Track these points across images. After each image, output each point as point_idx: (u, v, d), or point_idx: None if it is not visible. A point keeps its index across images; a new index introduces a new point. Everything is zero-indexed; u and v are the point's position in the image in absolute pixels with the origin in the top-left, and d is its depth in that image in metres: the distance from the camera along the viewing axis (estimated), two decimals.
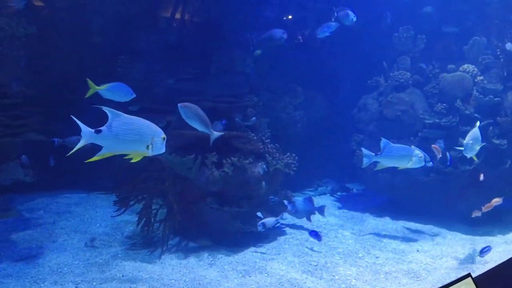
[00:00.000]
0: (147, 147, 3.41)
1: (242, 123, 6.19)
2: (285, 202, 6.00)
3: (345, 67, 8.21)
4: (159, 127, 3.35)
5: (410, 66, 6.99)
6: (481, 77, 6.34)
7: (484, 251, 4.91)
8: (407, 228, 6.28)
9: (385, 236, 5.95)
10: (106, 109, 3.17)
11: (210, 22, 7.21)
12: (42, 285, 4.19)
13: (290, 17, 8.27)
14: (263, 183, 5.60)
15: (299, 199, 5.92)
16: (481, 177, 5.69)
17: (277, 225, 5.88)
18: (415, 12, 7.41)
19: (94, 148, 3.13)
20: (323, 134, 8.23)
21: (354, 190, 8.37)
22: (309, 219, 6.05)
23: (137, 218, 5.30)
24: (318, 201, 7.11)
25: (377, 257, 5.14)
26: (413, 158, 4.85)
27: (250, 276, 4.54)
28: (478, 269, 4.82)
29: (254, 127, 6.15)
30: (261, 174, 5.53)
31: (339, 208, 7.35)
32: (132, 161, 3.50)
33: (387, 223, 6.51)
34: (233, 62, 7.31)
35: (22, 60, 5.79)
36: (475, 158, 5.25)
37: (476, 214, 5.45)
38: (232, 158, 5.36)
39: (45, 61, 6.46)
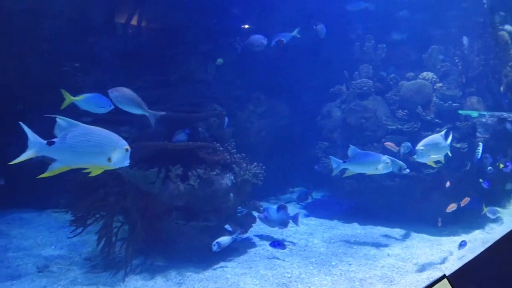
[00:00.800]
0: (108, 159, 3.12)
1: (206, 133, 5.99)
2: (254, 212, 5.81)
3: (308, 76, 8.23)
4: (123, 137, 3.08)
5: (372, 74, 7.11)
6: (440, 84, 6.57)
7: (461, 244, 5.22)
8: (376, 233, 6.30)
9: (355, 242, 5.92)
10: (59, 118, 2.86)
11: (170, 28, 6.97)
12: None
13: (247, 26, 8.20)
14: (231, 194, 5.39)
15: (273, 207, 5.77)
16: (447, 184, 5.84)
17: (244, 236, 5.67)
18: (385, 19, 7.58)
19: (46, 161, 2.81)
20: (288, 142, 8.17)
21: (320, 197, 8.34)
22: (282, 228, 5.89)
23: (96, 238, 4.89)
24: None
25: (350, 264, 5.08)
26: (381, 164, 4.89)
27: None
28: (447, 269, 4.88)
29: (218, 136, 5.96)
30: (229, 185, 5.33)
31: (307, 216, 7.27)
32: (91, 175, 3.20)
33: (356, 229, 6.50)
34: (194, 70, 7.12)
35: None
36: (433, 165, 5.13)
37: (453, 208, 5.71)
38: (198, 170, 5.13)
39: None
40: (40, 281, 4.45)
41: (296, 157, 8.10)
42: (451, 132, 5.72)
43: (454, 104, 6.38)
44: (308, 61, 7.97)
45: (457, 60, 6.63)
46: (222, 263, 5.06)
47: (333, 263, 5.11)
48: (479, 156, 6.02)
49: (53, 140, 2.78)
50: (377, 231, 6.38)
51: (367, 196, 6.75)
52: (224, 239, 4.91)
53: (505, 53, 6.66)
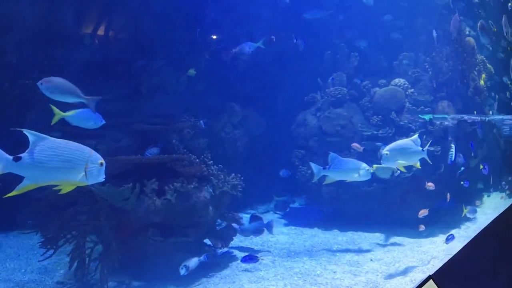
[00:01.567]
0: (81, 175, 2.91)
1: (180, 145, 5.81)
2: (234, 225, 5.66)
3: (281, 85, 8.22)
4: (97, 151, 2.88)
5: (346, 81, 7.17)
6: (412, 90, 6.72)
7: (449, 238, 5.36)
8: (357, 239, 6.28)
9: (337, 249, 5.87)
10: (27, 131, 2.64)
11: (138, 39, 6.77)
12: None
13: (214, 37, 8.12)
14: (210, 207, 5.22)
15: (246, 216, 5.62)
16: (430, 185, 5.96)
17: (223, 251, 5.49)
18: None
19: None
20: (264, 151, 8.08)
21: (298, 205, 8.28)
22: (256, 235, 5.77)
23: (68, 259, 4.57)
24: None
25: (334, 272, 5.00)
26: (361, 171, 4.86)
27: None
28: (429, 270, 4.90)
29: (193, 148, 5.79)
30: (207, 198, 5.15)
31: (286, 225, 7.18)
32: (61, 192, 2.97)
33: (336, 236, 6.46)
34: (165, 81, 6.93)
35: None
36: (402, 169, 4.98)
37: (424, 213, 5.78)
38: (175, 183, 4.92)
39: None
40: None
41: (272, 166, 8.02)
42: (430, 139, 5.83)
43: (426, 109, 6.55)
44: (281, 69, 7.97)
45: (427, 66, 6.82)
46: (203, 279, 4.86)
47: (318, 272, 5.01)
48: (453, 158, 6.15)
49: (20, 155, 2.56)
50: (358, 236, 6.37)
51: (346, 203, 6.76)
52: (192, 261, 4.68)
53: (471, 58, 6.92)
